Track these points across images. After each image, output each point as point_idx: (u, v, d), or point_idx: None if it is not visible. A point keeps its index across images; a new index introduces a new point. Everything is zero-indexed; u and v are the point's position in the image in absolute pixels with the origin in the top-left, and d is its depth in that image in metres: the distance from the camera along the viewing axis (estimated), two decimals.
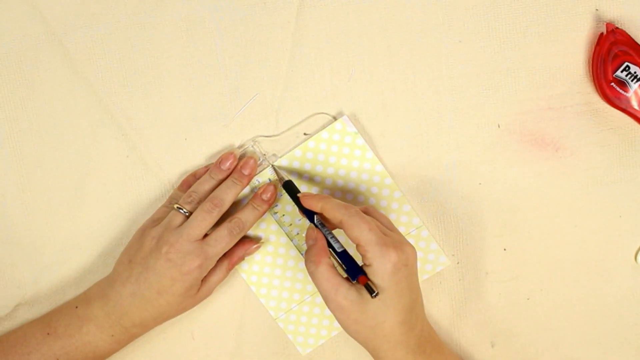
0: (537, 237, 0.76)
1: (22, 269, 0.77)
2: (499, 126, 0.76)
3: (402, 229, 0.76)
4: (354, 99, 0.76)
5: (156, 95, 0.76)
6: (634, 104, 0.73)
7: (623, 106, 0.73)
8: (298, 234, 0.76)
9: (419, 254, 0.76)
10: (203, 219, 0.71)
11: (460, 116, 0.76)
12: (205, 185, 0.73)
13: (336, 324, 0.76)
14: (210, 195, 0.72)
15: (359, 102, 0.76)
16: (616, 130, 0.75)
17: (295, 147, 0.75)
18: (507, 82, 0.75)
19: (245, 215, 0.73)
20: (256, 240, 0.77)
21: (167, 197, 0.76)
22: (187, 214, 0.72)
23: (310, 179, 0.76)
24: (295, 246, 0.76)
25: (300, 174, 0.76)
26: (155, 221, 0.74)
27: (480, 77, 0.75)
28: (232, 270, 0.76)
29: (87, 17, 0.75)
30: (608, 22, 0.73)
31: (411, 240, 0.76)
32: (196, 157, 0.77)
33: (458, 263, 0.77)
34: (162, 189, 0.77)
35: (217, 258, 0.72)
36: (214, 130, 0.76)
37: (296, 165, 0.75)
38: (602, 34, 0.73)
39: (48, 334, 0.72)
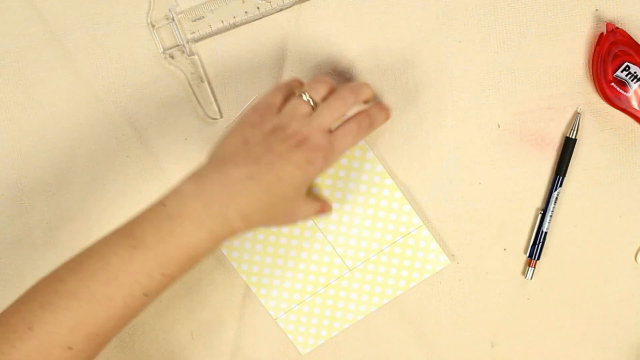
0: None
1: (22, 269, 0.77)
2: (499, 126, 0.76)
3: (401, 229, 0.76)
4: None
5: (156, 95, 0.76)
6: (634, 104, 0.73)
7: (623, 106, 0.73)
8: (299, 234, 0.76)
9: (419, 254, 0.76)
10: (336, 108, 0.64)
11: (460, 116, 0.76)
12: (329, 78, 0.67)
13: (336, 324, 0.77)
14: (346, 86, 0.66)
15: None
16: (616, 130, 0.75)
17: None
18: (507, 82, 0.75)
19: (374, 111, 0.67)
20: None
21: (279, 83, 0.70)
22: (312, 104, 0.65)
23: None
24: (295, 246, 0.76)
25: None
26: (272, 105, 0.65)
27: (480, 77, 0.75)
28: (231, 270, 0.76)
29: (87, 17, 0.75)
30: (608, 22, 0.73)
31: (411, 241, 0.76)
32: (196, 157, 0.76)
33: (458, 263, 0.77)
34: (163, 189, 0.77)
35: (343, 152, 0.65)
36: (214, 130, 0.76)
37: None
38: (602, 34, 0.73)
39: (134, 247, 0.61)
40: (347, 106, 0.65)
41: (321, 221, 0.76)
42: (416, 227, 0.76)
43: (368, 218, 0.76)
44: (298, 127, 0.63)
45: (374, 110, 0.68)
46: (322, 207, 0.71)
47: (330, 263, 0.76)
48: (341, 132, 0.65)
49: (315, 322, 0.77)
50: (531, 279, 0.76)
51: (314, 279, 0.77)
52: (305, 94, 0.65)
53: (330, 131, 0.65)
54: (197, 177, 0.63)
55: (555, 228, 0.76)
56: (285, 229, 0.76)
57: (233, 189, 0.61)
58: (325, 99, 0.66)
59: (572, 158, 0.75)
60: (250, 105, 0.67)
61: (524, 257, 0.77)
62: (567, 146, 0.75)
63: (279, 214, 0.65)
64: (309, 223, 0.76)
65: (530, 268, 0.76)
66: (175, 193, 0.63)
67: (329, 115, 0.64)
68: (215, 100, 0.76)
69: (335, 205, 0.75)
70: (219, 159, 0.64)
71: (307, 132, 0.63)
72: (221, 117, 0.76)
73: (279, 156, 0.62)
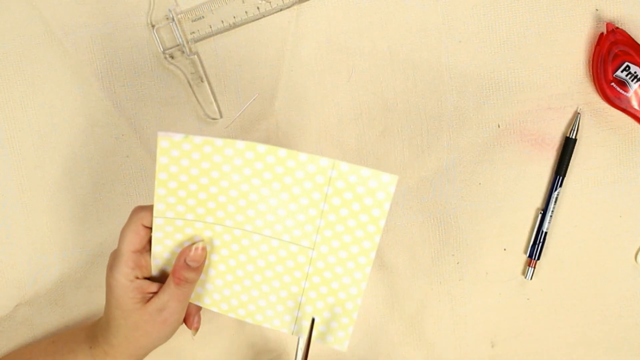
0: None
1: (22, 269, 0.77)
2: (499, 126, 0.76)
3: (319, 179, 0.63)
4: (354, 99, 0.76)
5: (156, 95, 0.76)
6: (634, 104, 0.73)
7: (623, 106, 0.73)
8: (238, 249, 0.68)
9: (359, 189, 0.63)
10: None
11: (460, 116, 0.76)
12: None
13: (349, 304, 0.67)
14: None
15: (359, 102, 0.76)
16: (616, 130, 0.75)
17: (155, 189, 0.65)
18: (507, 82, 0.75)
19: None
20: (194, 243, 0.66)
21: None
22: None
23: (197, 201, 0.65)
24: (246, 261, 0.67)
25: (184, 203, 0.65)
26: None
27: (480, 77, 0.75)
28: None
29: (87, 17, 0.75)
30: (608, 22, 0.73)
31: (339, 183, 0.63)
32: None
33: (458, 263, 0.77)
34: None
35: (125, 257, 0.65)
36: (214, 130, 0.76)
37: (172, 200, 0.65)
38: (602, 34, 0.73)
39: None
40: None
41: (246, 223, 0.65)
42: (331, 167, 0.63)
43: (280, 192, 0.64)
44: None
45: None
46: (176, 277, 0.65)
47: (290, 254, 0.66)
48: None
49: (327, 315, 0.68)
50: (531, 279, 0.76)
51: (289, 278, 0.67)
52: None
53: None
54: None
55: (555, 228, 0.76)
56: (224, 251, 0.67)
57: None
58: None
59: (572, 158, 0.75)
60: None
61: (524, 257, 0.77)
62: (567, 146, 0.75)
63: (137, 336, 0.66)
64: (237, 232, 0.66)
65: (530, 268, 0.76)
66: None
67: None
68: (215, 100, 0.76)
69: (242, 202, 0.65)
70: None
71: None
72: (221, 117, 0.76)
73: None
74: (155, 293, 0.66)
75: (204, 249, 0.66)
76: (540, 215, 0.76)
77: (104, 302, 0.78)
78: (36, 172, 0.77)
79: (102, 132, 0.76)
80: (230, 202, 0.65)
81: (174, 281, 0.65)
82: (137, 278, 0.66)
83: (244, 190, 0.64)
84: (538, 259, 0.76)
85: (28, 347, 0.76)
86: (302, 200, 0.64)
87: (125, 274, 0.65)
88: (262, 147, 0.63)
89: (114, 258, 0.66)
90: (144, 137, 0.76)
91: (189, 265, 0.65)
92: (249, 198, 0.65)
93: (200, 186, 0.65)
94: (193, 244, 0.66)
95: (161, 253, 0.67)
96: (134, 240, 0.65)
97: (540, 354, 0.78)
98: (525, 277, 0.76)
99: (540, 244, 0.76)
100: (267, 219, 0.65)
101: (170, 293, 0.65)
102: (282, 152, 0.63)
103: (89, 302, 0.78)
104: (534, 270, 0.76)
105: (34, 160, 0.77)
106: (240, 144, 0.63)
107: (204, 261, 0.66)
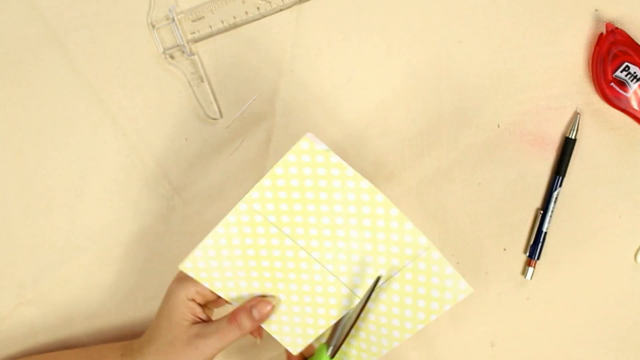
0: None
1: (22, 269, 0.77)
2: (498, 126, 0.76)
3: (408, 251, 0.65)
4: (354, 99, 0.76)
5: (156, 95, 0.76)
6: (634, 104, 0.73)
7: (623, 106, 0.73)
8: (294, 267, 0.68)
9: (434, 280, 0.65)
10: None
11: (460, 116, 0.76)
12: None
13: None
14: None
15: (359, 102, 0.76)
16: (616, 130, 0.75)
17: (263, 177, 0.66)
18: (507, 82, 0.75)
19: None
20: (272, 298, 0.68)
21: None
22: None
23: (289, 209, 0.66)
24: (294, 280, 0.68)
25: (276, 205, 0.66)
26: None
27: (480, 77, 0.75)
28: None
29: (87, 17, 0.75)
30: (608, 22, 0.73)
31: (422, 265, 0.65)
32: (196, 157, 0.77)
33: (458, 263, 0.77)
34: (162, 189, 0.77)
35: (188, 278, 0.68)
36: (214, 130, 0.76)
37: (269, 195, 0.66)
38: (601, 34, 0.73)
39: None
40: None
41: (315, 250, 0.66)
42: (424, 249, 0.65)
43: (367, 241, 0.66)
44: None
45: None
46: (233, 317, 0.66)
47: (338, 294, 0.67)
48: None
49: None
50: (531, 279, 0.76)
51: (324, 311, 0.68)
52: None
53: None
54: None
55: (555, 228, 0.76)
56: (278, 263, 0.67)
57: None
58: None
59: (571, 158, 0.75)
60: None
61: (524, 257, 0.77)
62: (567, 146, 0.75)
63: (177, 350, 0.67)
64: (302, 254, 0.66)
65: (530, 268, 0.76)
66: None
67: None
68: (215, 100, 0.76)
69: (326, 232, 0.66)
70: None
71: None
72: (221, 117, 0.76)
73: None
74: (204, 321, 0.67)
75: (273, 308, 0.67)
76: (540, 215, 0.76)
77: (103, 302, 0.78)
78: (36, 172, 0.77)
79: (102, 132, 0.76)
80: (316, 226, 0.66)
81: (229, 320, 0.66)
82: (194, 301, 0.68)
83: (337, 223, 0.66)
84: (538, 258, 0.76)
85: (56, 354, 0.76)
86: (380, 259, 0.66)
87: (188, 291, 0.67)
88: (380, 197, 0.64)
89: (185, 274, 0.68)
90: (144, 137, 0.76)
91: (252, 314, 0.66)
92: (336, 232, 0.66)
93: (303, 199, 0.66)
94: (266, 298, 0.67)
95: (221, 253, 0.67)
96: None
97: (540, 354, 0.78)
98: (525, 277, 0.76)
99: (540, 244, 0.76)
100: (338, 256, 0.67)
101: (218, 327, 0.66)
102: (394, 210, 0.64)
103: (89, 302, 0.78)
104: (534, 270, 0.76)
105: (34, 160, 0.77)
106: (365, 183, 0.64)
107: (265, 319, 0.67)
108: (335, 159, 0.65)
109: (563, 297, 0.77)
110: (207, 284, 0.68)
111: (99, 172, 0.77)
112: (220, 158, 0.77)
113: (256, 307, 0.66)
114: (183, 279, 0.68)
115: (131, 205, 0.77)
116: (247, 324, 0.66)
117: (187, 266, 0.68)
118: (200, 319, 0.68)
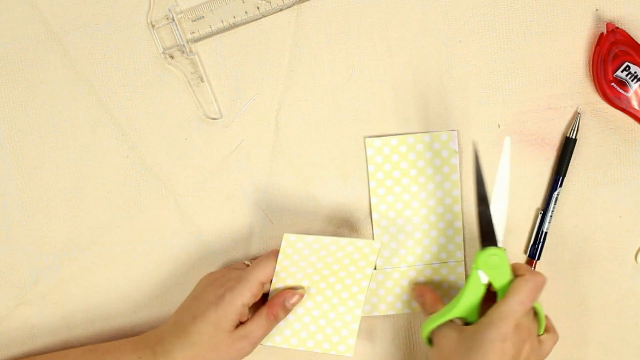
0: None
1: (22, 269, 0.77)
2: (499, 126, 0.76)
3: (442, 256, 0.76)
4: (354, 99, 0.76)
5: (156, 95, 0.76)
6: (634, 103, 0.73)
7: (623, 106, 0.73)
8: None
9: (444, 285, 0.76)
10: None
11: (460, 116, 0.75)
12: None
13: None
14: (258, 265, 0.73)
15: (359, 102, 0.76)
16: (616, 130, 0.75)
17: (394, 135, 0.75)
18: (507, 82, 0.75)
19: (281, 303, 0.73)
20: (298, 288, 0.74)
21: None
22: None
23: (390, 170, 0.75)
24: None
25: (384, 160, 0.75)
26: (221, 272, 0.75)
27: (480, 77, 0.75)
28: None
29: (87, 17, 0.75)
30: (608, 22, 0.73)
31: (444, 270, 0.76)
32: (196, 157, 0.77)
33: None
34: (162, 188, 0.77)
35: (251, 284, 0.71)
36: (214, 130, 0.76)
37: (386, 151, 0.75)
38: (602, 34, 0.73)
39: None
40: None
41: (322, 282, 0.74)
42: (455, 260, 0.76)
43: (421, 230, 0.76)
44: (223, 272, 0.74)
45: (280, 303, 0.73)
46: (271, 313, 0.72)
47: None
48: (249, 267, 0.73)
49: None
50: None
51: (348, 307, 0.75)
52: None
53: None
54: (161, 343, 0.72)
55: (555, 228, 0.76)
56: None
57: (163, 330, 0.72)
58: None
59: (572, 158, 0.75)
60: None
61: (524, 257, 0.77)
62: (567, 146, 0.75)
63: (210, 348, 0.70)
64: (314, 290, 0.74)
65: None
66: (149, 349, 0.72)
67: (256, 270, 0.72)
68: (215, 100, 0.76)
69: (331, 279, 0.74)
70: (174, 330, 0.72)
71: (220, 272, 0.74)
72: (221, 117, 0.76)
73: (196, 299, 0.72)
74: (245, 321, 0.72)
75: (301, 296, 0.73)
76: (540, 215, 0.76)
77: (103, 302, 0.78)
78: (36, 172, 0.77)
79: (102, 132, 0.76)
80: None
81: (267, 315, 0.71)
82: (246, 305, 0.71)
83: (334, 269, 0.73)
84: (538, 259, 0.76)
85: (61, 353, 0.76)
86: (417, 249, 0.76)
87: (245, 297, 0.70)
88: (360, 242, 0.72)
89: (238, 281, 0.70)
90: (144, 137, 0.76)
91: (286, 306, 0.72)
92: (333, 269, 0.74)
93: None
94: (294, 289, 0.73)
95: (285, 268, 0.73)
96: (267, 272, 0.72)
97: None
98: None
99: (540, 244, 0.76)
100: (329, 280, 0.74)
101: (259, 325, 0.71)
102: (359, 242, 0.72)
103: (89, 302, 0.78)
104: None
105: (34, 160, 0.77)
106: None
107: (294, 307, 0.74)
108: (455, 160, 0.75)
109: (563, 297, 0.77)
110: (278, 267, 0.72)
111: (99, 172, 0.77)
112: (220, 158, 0.77)
113: (288, 298, 0.72)
114: (235, 287, 0.70)
115: (131, 205, 0.77)
116: (281, 314, 0.72)
117: (290, 239, 0.71)
118: (244, 321, 0.71)
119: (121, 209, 0.77)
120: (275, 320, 0.72)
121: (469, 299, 0.69)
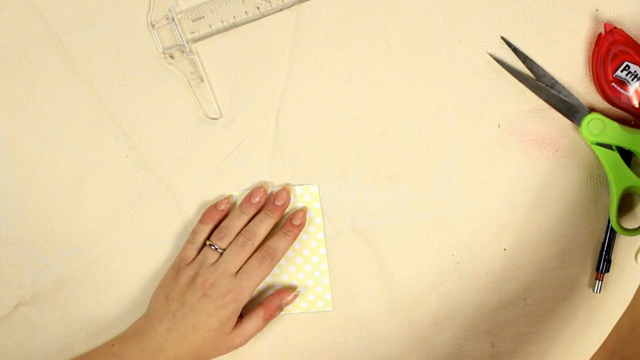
0: (537, 238, 0.76)
1: (22, 269, 0.77)
2: (499, 126, 0.76)
3: (308, 267, 0.77)
4: (354, 99, 0.76)
5: (156, 95, 0.76)
6: (635, 103, 0.73)
7: (624, 106, 0.73)
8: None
9: (310, 297, 0.77)
10: (237, 253, 0.73)
11: (460, 116, 0.76)
12: (236, 220, 0.74)
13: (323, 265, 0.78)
14: (244, 229, 0.74)
15: (359, 102, 0.76)
16: None
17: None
18: (507, 82, 0.75)
19: (275, 242, 0.74)
20: (292, 289, 0.77)
21: (190, 232, 0.76)
22: (220, 251, 0.74)
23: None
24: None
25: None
26: (185, 259, 0.74)
27: (480, 77, 0.75)
28: None
29: (87, 17, 0.75)
30: (606, 22, 0.73)
31: (309, 282, 0.77)
32: (196, 157, 0.77)
33: (458, 263, 0.77)
34: (162, 189, 0.77)
35: (251, 291, 0.73)
36: (214, 130, 0.76)
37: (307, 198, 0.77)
38: (600, 34, 0.73)
39: None
40: (248, 251, 0.73)
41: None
42: (320, 272, 0.77)
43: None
44: (206, 276, 0.72)
45: (276, 241, 0.74)
46: (267, 313, 0.75)
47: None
48: (244, 273, 0.73)
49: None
50: (599, 292, 0.76)
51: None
52: (212, 244, 0.74)
53: (237, 273, 0.73)
54: (139, 323, 0.75)
55: (554, 228, 0.76)
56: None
57: (160, 340, 0.72)
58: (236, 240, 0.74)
59: (571, 157, 0.75)
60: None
61: (524, 257, 0.77)
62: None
63: (211, 349, 0.73)
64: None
65: (598, 281, 0.75)
66: (122, 337, 0.75)
67: (232, 262, 0.73)
68: (215, 100, 0.76)
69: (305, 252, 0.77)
70: (152, 311, 0.74)
71: (214, 279, 0.72)
72: (221, 117, 0.76)
73: (191, 308, 0.72)
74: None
75: (297, 295, 0.76)
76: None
77: (103, 303, 0.78)
78: (36, 172, 0.77)
79: (102, 132, 0.76)
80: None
81: (264, 316, 0.75)
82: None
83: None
84: (607, 271, 0.75)
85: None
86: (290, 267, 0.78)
87: (244, 302, 0.73)
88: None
89: (240, 292, 0.73)
90: (144, 137, 0.76)
91: (282, 306, 0.76)
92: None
93: None
94: (291, 289, 0.76)
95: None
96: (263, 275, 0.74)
97: (540, 354, 0.78)
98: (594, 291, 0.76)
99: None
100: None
101: (255, 324, 0.74)
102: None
103: (89, 302, 0.78)
104: (601, 284, 0.75)
105: (34, 160, 0.77)
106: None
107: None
108: (318, 219, 0.77)
109: (563, 298, 0.77)
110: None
111: (99, 172, 0.77)
112: (220, 158, 0.77)
113: (284, 298, 0.75)
114: (238, 298, 0.72)
115: (131, 205, 0.77)
116: (277, 314, 0.76)
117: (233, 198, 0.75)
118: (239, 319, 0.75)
119: (121, 209, 0.77)
120: (270, 319, 0.75)
121: (617, 173, 0.71)
